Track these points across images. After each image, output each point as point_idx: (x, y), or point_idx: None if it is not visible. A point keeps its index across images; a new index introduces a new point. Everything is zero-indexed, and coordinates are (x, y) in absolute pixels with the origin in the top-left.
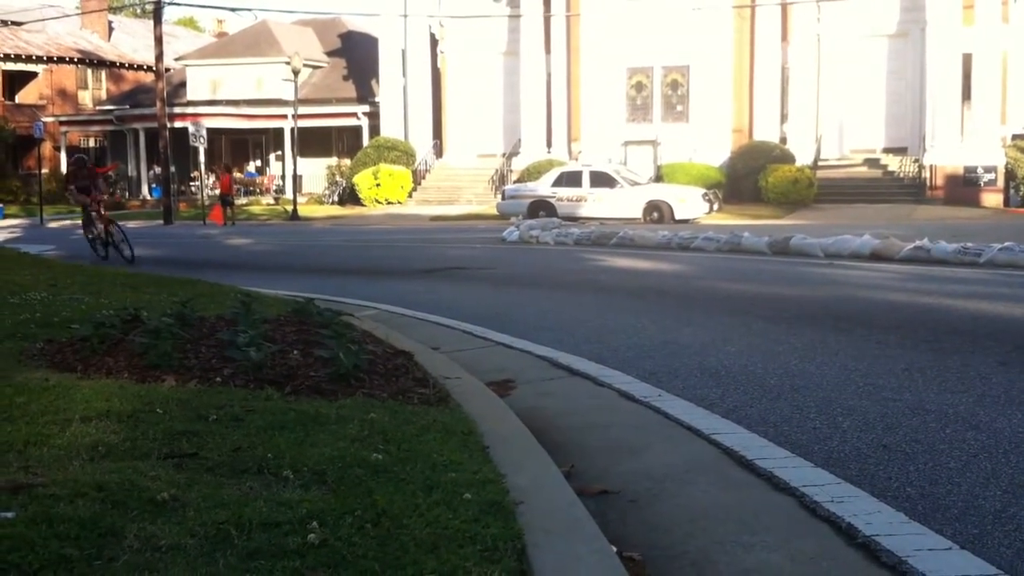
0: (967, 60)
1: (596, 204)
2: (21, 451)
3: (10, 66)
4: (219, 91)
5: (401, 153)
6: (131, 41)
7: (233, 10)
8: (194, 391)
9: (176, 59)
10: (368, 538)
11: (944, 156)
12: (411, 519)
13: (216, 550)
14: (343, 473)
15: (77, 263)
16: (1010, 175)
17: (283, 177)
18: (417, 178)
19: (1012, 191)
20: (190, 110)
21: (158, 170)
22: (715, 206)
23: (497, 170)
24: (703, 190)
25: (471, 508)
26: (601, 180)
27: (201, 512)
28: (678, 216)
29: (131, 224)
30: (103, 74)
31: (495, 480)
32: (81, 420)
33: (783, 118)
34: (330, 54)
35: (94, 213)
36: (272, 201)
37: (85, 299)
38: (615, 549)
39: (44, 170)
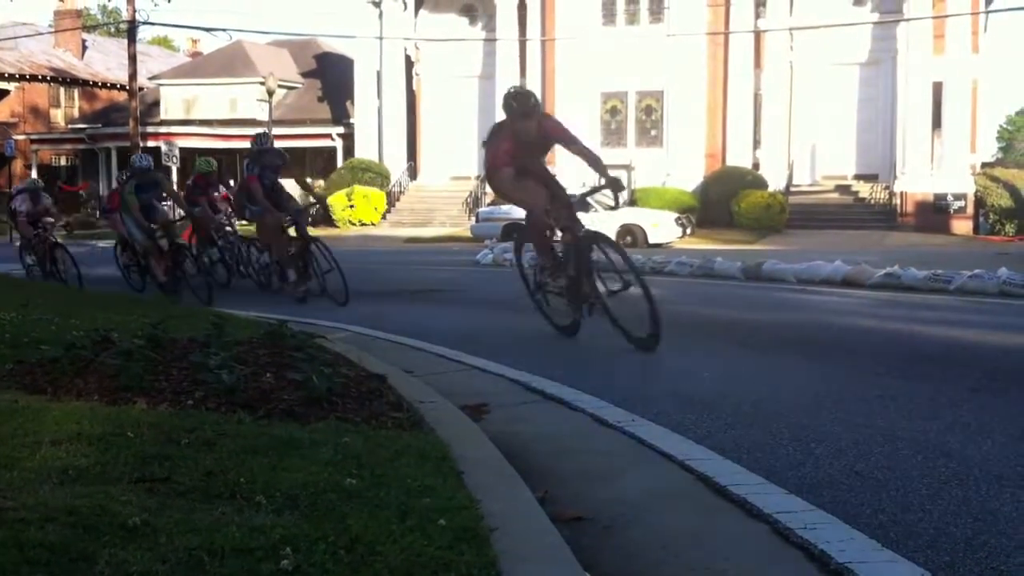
0: (937, 89)
1: None
2: None
3: None
4: (193, 111)
5: (375, 175)
6: (105, 60)
7: (208, 30)
8: (165, 414)
9: (150, 78)
10: (342, 564)
11: (915, 183)
12: (385, 545)
13: None
14: (316, 498)
15: (48, 283)
16: (979, 203)
17: None
18: (391, 200)
19: (981, 219)
20: (163, 129)
21: None
22: (688, 230)
23: (471, 192)
24: (676, 214)
25: (446, 534)
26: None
27: (173, 538)
28: (651, 240)
29: (101, 244)
30: (76, 92)
31: (469, 506)
32: (51, 443)
33: (756, 144)
34: (305, 75)
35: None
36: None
37: (56, 320)
38: None
39: None
